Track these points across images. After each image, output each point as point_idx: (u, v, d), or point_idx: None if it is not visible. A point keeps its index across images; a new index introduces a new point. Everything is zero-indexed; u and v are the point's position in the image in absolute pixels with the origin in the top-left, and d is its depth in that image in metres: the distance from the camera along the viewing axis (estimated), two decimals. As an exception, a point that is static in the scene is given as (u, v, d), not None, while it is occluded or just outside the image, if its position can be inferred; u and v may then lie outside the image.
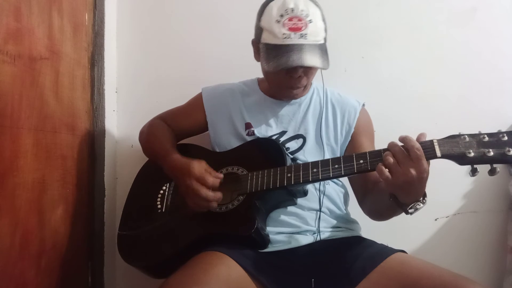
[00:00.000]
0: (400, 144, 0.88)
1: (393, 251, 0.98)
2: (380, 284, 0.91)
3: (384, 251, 0.98)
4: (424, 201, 0.91)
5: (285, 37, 1.02)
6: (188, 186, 1.01)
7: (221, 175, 1.04)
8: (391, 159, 0.86)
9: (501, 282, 1.39)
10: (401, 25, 1.48)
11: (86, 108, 1.35)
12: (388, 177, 0.87)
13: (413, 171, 0.84)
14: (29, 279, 1.05)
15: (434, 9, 1.47)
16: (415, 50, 1.47)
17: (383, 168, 0.87)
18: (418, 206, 0.90)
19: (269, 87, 1.21)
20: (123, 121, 1.54)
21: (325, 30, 1.08)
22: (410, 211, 0.91)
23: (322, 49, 1.06)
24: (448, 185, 1.40)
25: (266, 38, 1.06)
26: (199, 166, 1.03)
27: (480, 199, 1.43)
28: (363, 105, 1.23)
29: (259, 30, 1.10)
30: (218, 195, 1.01)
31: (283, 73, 1.08)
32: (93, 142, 1.38)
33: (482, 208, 1.44)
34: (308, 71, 1.09)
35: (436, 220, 1.45)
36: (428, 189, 0.90)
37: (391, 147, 0.89)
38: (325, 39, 1.08)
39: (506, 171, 1.41)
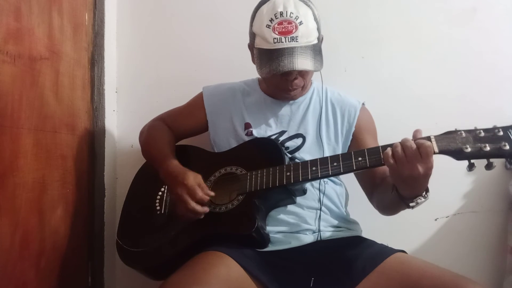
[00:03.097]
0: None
1: (393, 251, 0.98)
2: (380, 284, 0.91)
3: (384, 251, 0.99)
4: (426, 195, 0.91)
5: (276, 42, 1.02)
6: (179, 195, 1.03)
7: (212, 193, 1.05)
8: (400, 151, 0.86)
9: (501, 282, 1.39)
10: (401, 25, 1.48)
11: (86, 108, 1.35)
12: (393, 164, 0.86)
13: (420, 167, 0.85)
14: (29, 279, 1.05)
15: (434, 9, 1.47)
16: (415, 50, 1.47)
17: (390, 154, 0.87)
18: (419, 201, 0.91)
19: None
20: (123, 121, 1.54)
21: (318, 30, 1.07)
22: (411, 204, 0.91)
23: (315, 49, 1.05)
24: (448, 185, 1.40)
25: (258, 43, 1.07)
26: (193, 179, 1.04)
27: (480, 199, 1.43)
28: (363, 104, 1.23)
29: (252, 36, 1.10)
30: (205, 209, 1.02)
31: (279, 77, 1.08)
32: (93, 142, 1.38)
33: (482, 208, 1.43)
34: (303, 72, 1.09)
35: (436, 220, 1.44)
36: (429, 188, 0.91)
37: (404, 141, 0.88)
38: (318, 38, 1.07)
39: (506, 171, 1.41)
